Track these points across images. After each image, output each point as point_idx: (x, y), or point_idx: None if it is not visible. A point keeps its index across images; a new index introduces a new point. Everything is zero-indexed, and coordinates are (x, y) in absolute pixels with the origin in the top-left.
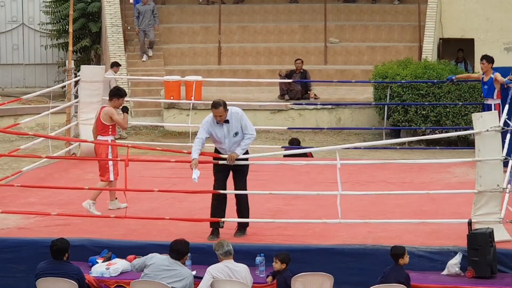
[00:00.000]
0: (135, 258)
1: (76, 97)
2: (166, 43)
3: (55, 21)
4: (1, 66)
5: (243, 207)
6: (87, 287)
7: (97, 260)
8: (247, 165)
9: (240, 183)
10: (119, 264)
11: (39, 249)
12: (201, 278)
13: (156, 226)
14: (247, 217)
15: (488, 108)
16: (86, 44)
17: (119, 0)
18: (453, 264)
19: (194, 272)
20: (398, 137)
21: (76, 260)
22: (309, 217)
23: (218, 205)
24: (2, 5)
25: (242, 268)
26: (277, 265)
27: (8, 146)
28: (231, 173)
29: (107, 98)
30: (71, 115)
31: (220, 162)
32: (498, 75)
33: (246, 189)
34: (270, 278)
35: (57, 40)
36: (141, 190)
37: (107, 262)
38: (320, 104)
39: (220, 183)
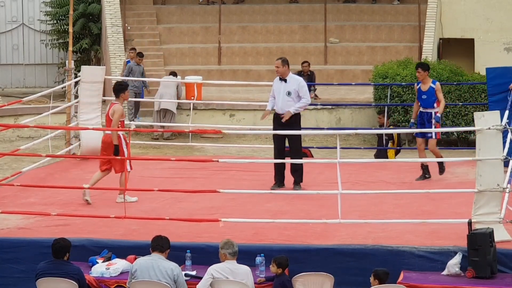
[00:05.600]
0: (135, 258)
1: (76, 97)
2: (166, 43)
3: (56, 22)
4: (1, 66)
5: (297, 166)
6: (87, 287)
7: (97, 260)
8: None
9: (295, 147)
10: (119, 264)
11: (39, 249)
12: (201, 278)
13: (156, 226)
14: (301, 173)
15: (428, 116)
16: (86, 46)
17: (119, 0)
18: (453, 264)
19: (194, 272)
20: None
21: (76, 260)
22: (309, 217)
23: (279, 169)
24: (2, 5)
25: (243, 270)
26: (273, 269)
27: (8, 146)
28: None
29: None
30: (71, 115)
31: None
32: (438, 85)
33: (300, 151)
34: (261, 279)
35: (57, 40)
36: (141, 190)
37: (107, 262)
38: (320, 104)
39: (276, 150)
